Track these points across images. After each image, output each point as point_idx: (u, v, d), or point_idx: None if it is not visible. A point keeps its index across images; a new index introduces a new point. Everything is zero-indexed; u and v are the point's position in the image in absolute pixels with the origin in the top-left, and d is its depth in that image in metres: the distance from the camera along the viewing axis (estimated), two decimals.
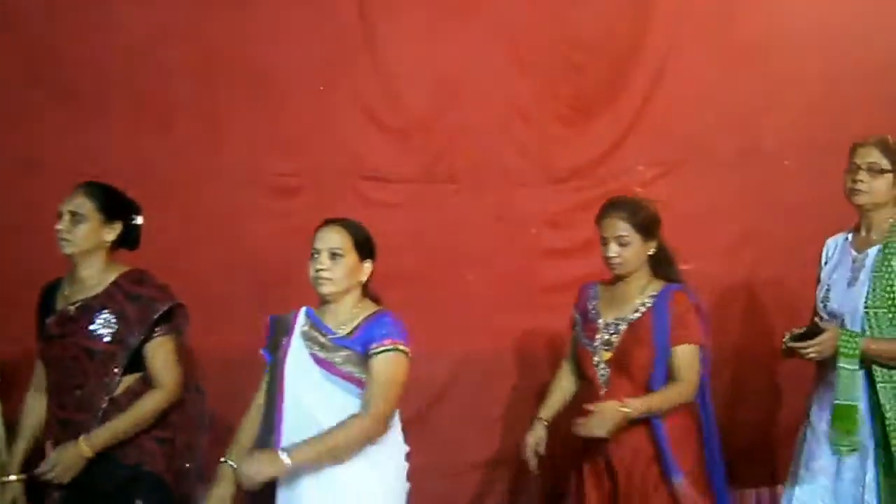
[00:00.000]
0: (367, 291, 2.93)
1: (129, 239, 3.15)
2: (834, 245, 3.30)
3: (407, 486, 2.93)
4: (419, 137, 4.07)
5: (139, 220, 3.17)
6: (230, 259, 3.89)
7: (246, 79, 3.97)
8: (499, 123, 4.10)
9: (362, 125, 4.05)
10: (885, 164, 3.09)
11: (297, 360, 2.85)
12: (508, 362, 4.02)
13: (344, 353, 2.81)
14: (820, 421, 3.18)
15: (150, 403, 3.00)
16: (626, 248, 3.08)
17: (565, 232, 4.09)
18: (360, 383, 2.80)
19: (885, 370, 3.03)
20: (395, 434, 2.90)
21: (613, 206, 3.13)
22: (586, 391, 3.20)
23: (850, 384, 3.01)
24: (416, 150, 4.08)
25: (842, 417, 3.03)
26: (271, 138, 4.00)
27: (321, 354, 2.83)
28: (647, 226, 3.10)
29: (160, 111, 3.93)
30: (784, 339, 3.14)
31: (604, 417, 2.95)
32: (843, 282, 3.15)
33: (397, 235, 4.00)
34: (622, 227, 3.07)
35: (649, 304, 3.10)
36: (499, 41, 4.08)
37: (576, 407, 3.17)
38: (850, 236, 3.25)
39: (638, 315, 3.10)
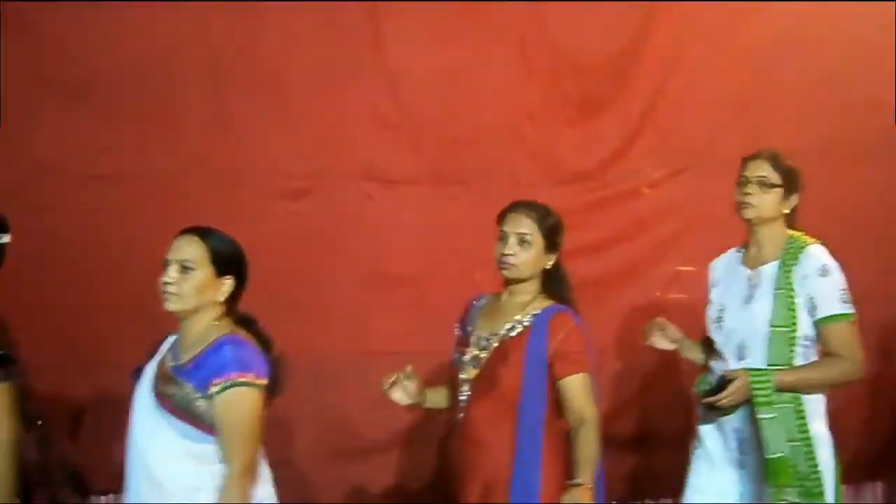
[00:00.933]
0: (233, 312, 2.56)
1: None
2: (720, 265, 3.20)
3: None
4: (427, 139, 4.08)
5: (5, 238, 2.82)
6: None
7: (255, 82, 3.98)
8: (507, 125, 4.10)
9: (371, 127, 4.05)
10: (775, 178, 2.98)
11: (142, 389, 2.52)
12: None
13: (178, 384, 2.44)
14: (709, 438, 3.06)
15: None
16: (526, 248, 2.82)
17: (573, 233, 3.90)
18: (194, 423, 2.42)
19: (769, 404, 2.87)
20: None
21: (522, 204, 2.90)
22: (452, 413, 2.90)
23: (776, 434, 2.85)
24: (424, 152, 4.08)
25: (776, 473, 2.84)
26: (280, 141, 3.99)
27: (159, 385, 2.48)
28: (553, 234, 2.87)
29: (170, 114, 3.93)
30: (695, 389, 3.05)
31: None
32: (738, 300, 3.02)
33: (405, 237, 4.05)
34: (527, 225, 2.83)
35: (527, 323, 2.81)
36: (506, 44, 4.08)
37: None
38: (740, 254, 3.13)
39: (512, 333, 2.82)
